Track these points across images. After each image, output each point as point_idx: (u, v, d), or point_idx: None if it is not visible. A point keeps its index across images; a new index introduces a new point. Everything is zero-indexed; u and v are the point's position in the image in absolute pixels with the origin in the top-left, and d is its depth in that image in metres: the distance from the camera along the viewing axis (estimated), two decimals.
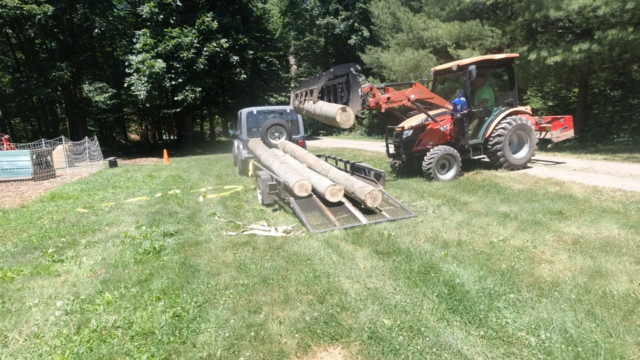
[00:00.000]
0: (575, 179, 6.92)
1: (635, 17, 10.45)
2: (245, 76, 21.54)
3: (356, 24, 29.08)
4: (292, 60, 38.35)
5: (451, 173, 7.85)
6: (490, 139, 8.02)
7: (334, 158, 8.72)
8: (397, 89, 7.72)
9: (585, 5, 10.62)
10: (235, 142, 11.70)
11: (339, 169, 7.33)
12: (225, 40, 20.15)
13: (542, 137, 9.01)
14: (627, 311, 2.77)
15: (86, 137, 17.13)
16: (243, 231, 5.20)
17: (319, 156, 8.21)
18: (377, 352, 2.46)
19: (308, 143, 11.99)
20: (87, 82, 31.49)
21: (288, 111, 11.11)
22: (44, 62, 23.00)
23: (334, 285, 3.40)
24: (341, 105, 6.03)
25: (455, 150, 7.80)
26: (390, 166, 9.53)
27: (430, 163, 7.60)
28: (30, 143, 14.25)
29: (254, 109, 10.81)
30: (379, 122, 27.50)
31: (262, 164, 8.17)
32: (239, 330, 2.77)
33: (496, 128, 7.96)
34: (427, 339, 2.56)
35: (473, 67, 7.30)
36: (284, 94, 35.95)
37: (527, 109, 8.50)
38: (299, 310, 2.99)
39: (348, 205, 5.87)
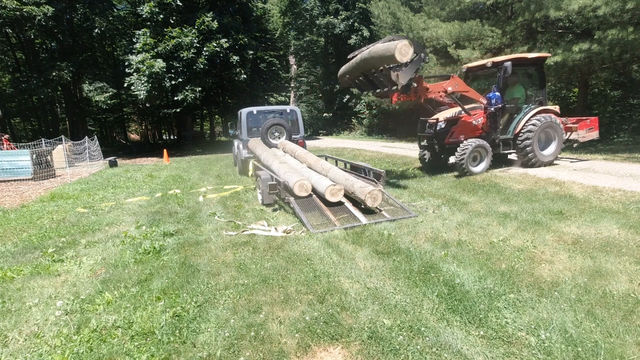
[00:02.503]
0: (575, 179, 6.92)
1: (635, 17, 10.43)
2: (245, 76, 21.55)
3: (356, 24, 29.05)
4: (292, 60, 38.35)
5: (482, 165, 8.04)
6: (520, 135, 8.19)
7: (334, 158, 8.73)
8: (429, 82, 7.89)
9: (585, 5, 10.61)
10: (235, 142, 11.70)
11: (339, 168, 7.33)
12: (225, 40, 20.15)
13: (567, 137, 9.09)
14: (627, 311, 2.77)
15: (86, 137, 17.13)
16: (243, 231, 5.20)
17: (319, 156, 8.21)
18: (377, 352, 2.46)
19: (308, 143, 11.99)
20: (87, 82, 31.55)
21: (288, 111, 11.13)
22: (44, 62, 22.99)
23: (334, 285, 3.40)
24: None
25: (487, 144, 7.97)
26: (419, 158, 9.68)
27: (463, 155, 7.75)
28: (30, 143, 14.24)
29: (254, 109, 10.81)
30: (378, 122, 27.52)
31: (262, 163, 8.17)
32: (239, 330, 2.77)
33: (526, 125, 8.13)
34: (427, 338, 2.56)
35: (509, 63, 7.65)
36: (284, 94, 35.98)
37: (556, 107, 8.64)
38: (299, 310, 2.99)
39: (348, 205, 5.87)
